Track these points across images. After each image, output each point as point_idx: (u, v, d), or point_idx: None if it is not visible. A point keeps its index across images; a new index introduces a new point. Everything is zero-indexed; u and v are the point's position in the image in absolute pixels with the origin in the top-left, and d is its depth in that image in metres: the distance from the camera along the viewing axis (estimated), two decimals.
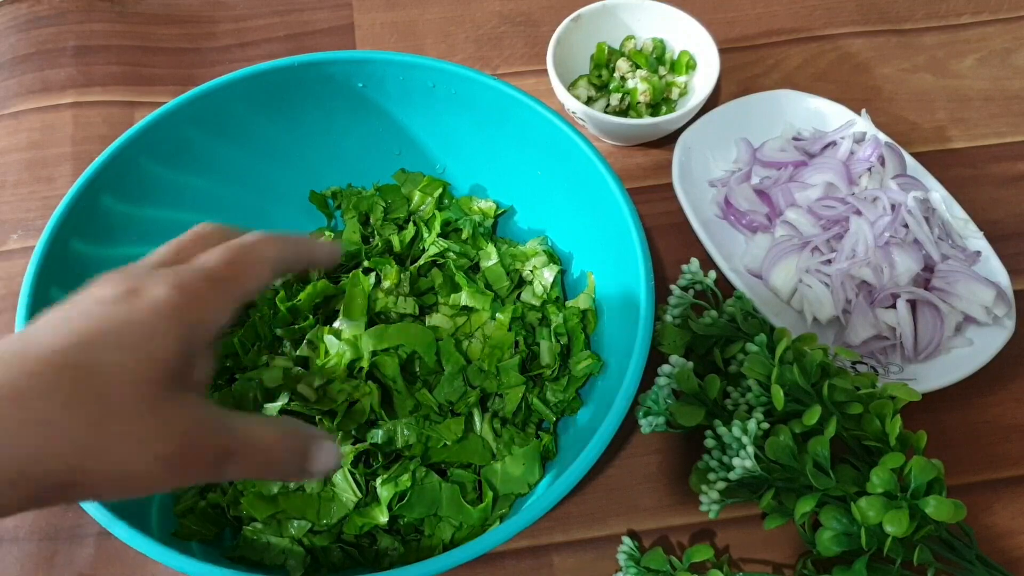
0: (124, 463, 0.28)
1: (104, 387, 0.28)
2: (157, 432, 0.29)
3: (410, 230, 0.52)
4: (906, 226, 0.52)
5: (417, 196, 0.53)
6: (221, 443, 0.31)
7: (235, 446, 0.31)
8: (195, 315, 0.31)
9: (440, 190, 0.53)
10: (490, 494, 0.44)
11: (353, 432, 0.45)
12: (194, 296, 0.31)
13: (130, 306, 0.30)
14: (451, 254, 0.51)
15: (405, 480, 0.43)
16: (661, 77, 0.63)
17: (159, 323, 0.30)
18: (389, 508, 0.43)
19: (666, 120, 0.58)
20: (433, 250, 0.50)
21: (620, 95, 0.62)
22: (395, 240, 0.51)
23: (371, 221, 0.53)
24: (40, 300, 0.42)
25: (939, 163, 0.58)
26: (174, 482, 0.30)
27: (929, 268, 0.51)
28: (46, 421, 0.27)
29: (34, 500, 0.27)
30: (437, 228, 0.51)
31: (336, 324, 0.46)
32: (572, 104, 0.59)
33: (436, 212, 0.52)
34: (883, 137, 0.57)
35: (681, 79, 0.63)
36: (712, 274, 0.49)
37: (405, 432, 0.44)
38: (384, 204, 0.53)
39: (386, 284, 0.48)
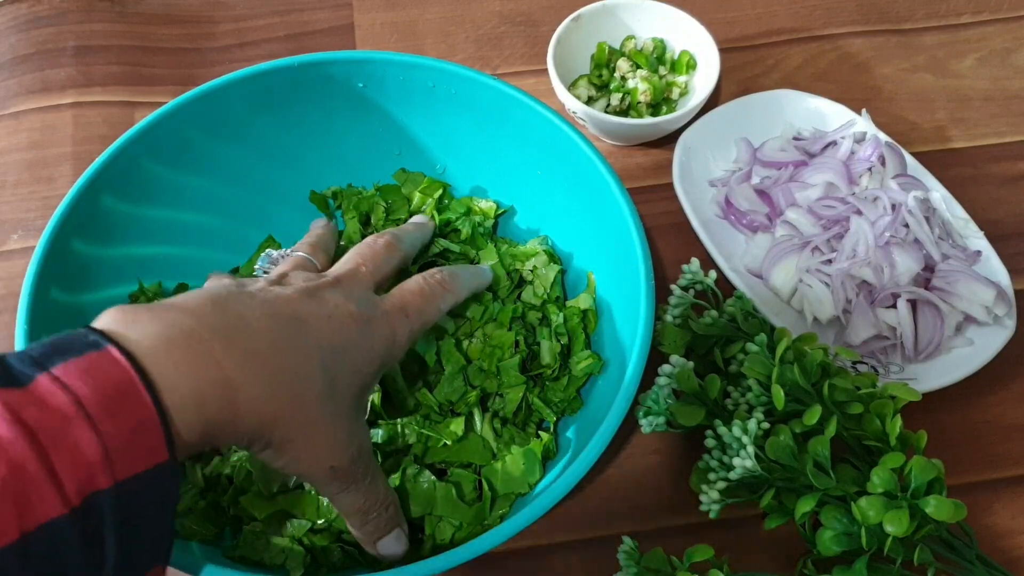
0: (315, 452, 0.34)
1: (336, 393, 0.34)
2: (344, 441, 0.35)
3: None
4: (906, 226, 0.52)
5: (417, 197, 0.53)
6: (360, 474, 0.37)
7: (362, 485, 0.37)
8: (393, 350, 0.38)
9: (440, 191, 0.53)
10: (489, 494, 0.44)
11: None
12: (396, 335, 0.38)
13: (365, 335, 0.37)
14: (451, 254, 0.51)
15: (395, 479, 0.43)
16: (661, 77, 0.63)
17: (375, 354, 0.37)
18: None
19: (666, 120, 0.58)
20: (433, 250, 0.50)
21: (620, 95, 0.62)
22: None
23: (372, 221, 0.53)
24: (40, 300, 0.42)
25: (939, 163, 0.58)
26: (318, 483, 0.36)
27: (929, 268, 0.51)
28: (301, 399, 0.33)
29: (249, 445, 0.33)
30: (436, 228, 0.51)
31: None
32: (572, 104, 0.59)
33: (436, 213, 0.52)
34: (883, 137, 0.57)
35: (681, 79, 0.63)
36: (712, 274, 0.49)
37: (405, 432, 0.44)
38: (385, 204, 0.53)
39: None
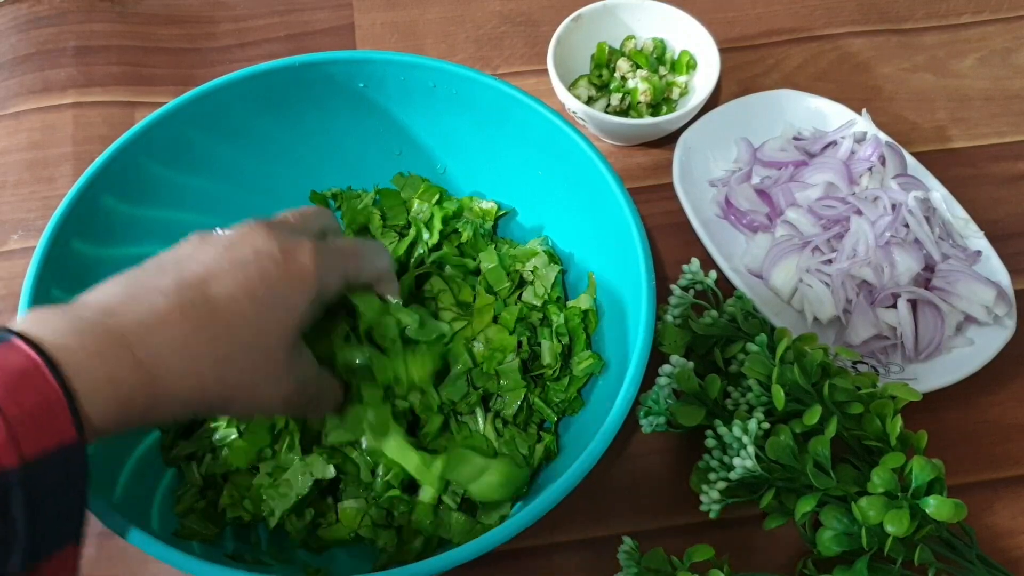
0: (261, 397, 0.36)
1: (267, 339, 0.35)
2: (286, 376, 0.36)
3: (409, 237, 0.51)
4: (907, 226, 0.52)
5: (416, 203, 0.53)
6: (316, 390, 0.39)
7: (313, 401, 0.39)
8: (324, 282, 0.37)
9: (437, 195, 0.53)
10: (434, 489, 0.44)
11: None
12: (325, 267, 0.37)
13: (286, 268, 0.36)
14: (451, 260, 0.50)
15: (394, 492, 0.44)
16: (661, 77, 0.63)
17: (304, 286, 0.36)
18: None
19: (666, 120, 0.58)
20: (433, 257, 0.50)
21: (620, 95, 0.62)
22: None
23: (370, 230, 0.53)
24: (41, 301, 0.42)
25: (939, 163, 0.58)
26: (283, 413, 0.40)
27: (930, 268, 0.51)
28: (229, 359, 0.34)
29: (193, 413, 0.34)
30: (436, 234, 0.51)
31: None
32: (572, 104, 0.59)
33: (435, 214, 0.52)
34: (883, 137, 0.57)
35: (681, 79, 0.63)
36: (712, 274, 0.49)
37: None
38: (381, 211, 0.53)
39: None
